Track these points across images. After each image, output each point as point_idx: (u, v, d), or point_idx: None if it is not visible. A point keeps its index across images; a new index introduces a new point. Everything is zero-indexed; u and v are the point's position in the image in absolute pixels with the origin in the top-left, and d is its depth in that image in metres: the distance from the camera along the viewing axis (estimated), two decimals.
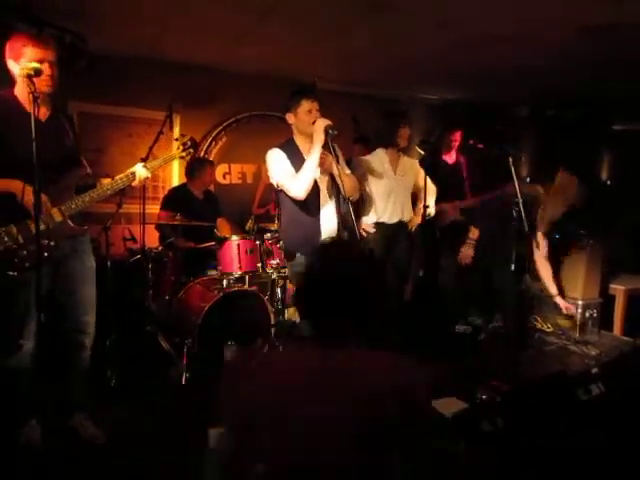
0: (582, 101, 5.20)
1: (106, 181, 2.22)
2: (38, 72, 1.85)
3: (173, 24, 3.44)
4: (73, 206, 2.10)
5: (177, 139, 2.57)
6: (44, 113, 2.09)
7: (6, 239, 1.95)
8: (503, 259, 3.32)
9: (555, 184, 3.25)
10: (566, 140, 5.42)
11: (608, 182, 5.95)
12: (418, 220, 3.18)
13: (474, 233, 3.39)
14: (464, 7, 2.97)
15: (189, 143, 2.46)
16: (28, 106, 1.97)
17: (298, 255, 2.60)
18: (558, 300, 3.43)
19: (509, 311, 3.42)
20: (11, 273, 1.93)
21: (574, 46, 3.56)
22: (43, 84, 1.97)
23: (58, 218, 2.07)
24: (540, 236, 3.33)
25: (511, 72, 4.33)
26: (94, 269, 2.32)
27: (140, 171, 2.24)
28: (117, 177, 2.22)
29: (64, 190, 2.10)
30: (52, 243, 2.05)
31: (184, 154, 2.47)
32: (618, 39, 3.36)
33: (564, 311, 3.40)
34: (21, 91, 2.03)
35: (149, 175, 2.29)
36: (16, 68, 1.96)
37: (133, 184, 2.25)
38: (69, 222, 2.12)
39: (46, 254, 2.00)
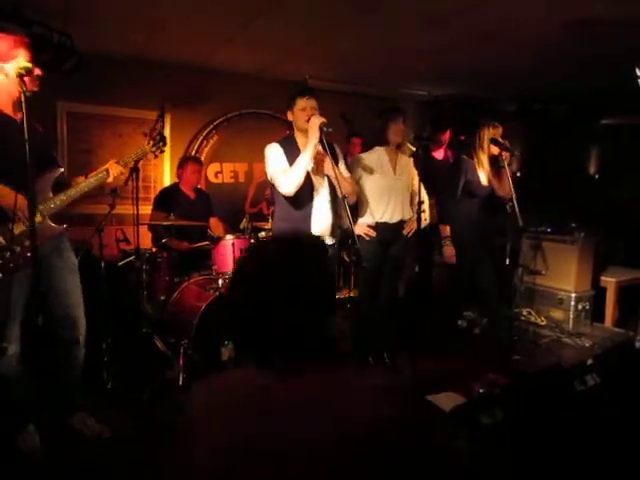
0: (569, 96, 5.25)
1: (81, 180, 2.23)
2: (29, 71, 1.83)
3: (161, 27, 3.42)
4: (52, 206, 2.11)
5: (146, 134, 2.57)
6: (18, 114, 2.06)
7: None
8: (486, 253, 3.34)
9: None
10: (554, 135, 5.49)
11: (596, 176, 6.02)
12: (415, 226, 3.16)
13: (445, 230, 3.39)
14: (451, 5, 2.99)
15: (158, 137, 2.50)
16: (5, 109, 2.00)
17: None
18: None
19: (493, 305, 3.43)
20: None
21: (560, 42, 3.60)
22: (35, 84, 1.98)
23: (38, 219, 2.06)
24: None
25: (498, 68, 4.35)
26: (76, 265, 2.31)
27: (113, 168, 2.26)
28: (91, 175, 2.24)
29: (41, 190, 2.09)
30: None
31: (154, 149, 2.50)
32: (603, 34, 3.40)
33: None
34: None
35: (123, 170, 2.32)
36: (8, 68, 1.93)
37: (108, 181, 2.27)
38: (49, 222, 2.12)
39: (29, 254, 1.99)
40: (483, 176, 3.27)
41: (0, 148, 1.85)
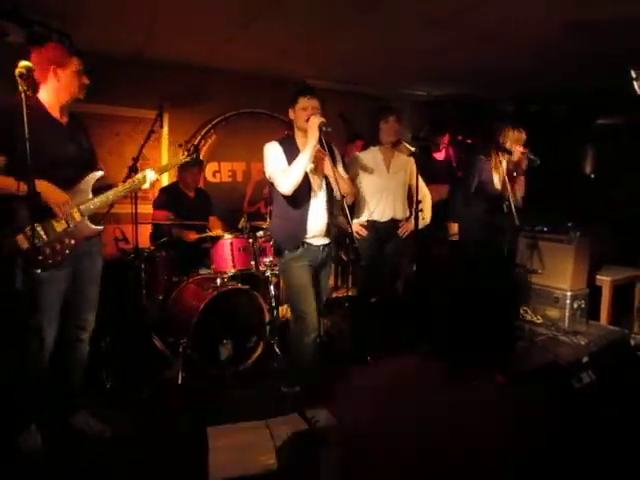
0: (569, 96, 5.26)
1: (119, 184, 2.37)
2: (30, 70, 1.84)
3: (159, 26, 3.41)
4: (91, 206, 2.20)
5: (181, 145, 2.87)
6: (64, 118, 2.18)
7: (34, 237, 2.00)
8: (491, 254, 3.35)
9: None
10: (553, 135, 5.50)
11: (592, 175, 6.04)
12: (411, 227, 3.15)
13: (453, 228, 3.41)
14: (451, 5, 2.99)
15: (192, 149, 2.75)
16: (53, 112, 2.12)
17: (286, 252, 2.61)
18: None
19: (495, 305, 3.45)
20: (36, 271, 1.97)
21: (560, 42, 3.60)
22: (83, 93, 2.18)
23: (78, 218, 2.15)
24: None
25: (498, 68, 4.36)
26: (100, 271, 2.39)
27: (150, 175, 2.40)
28: (129, 180, 2.37)
29: (83, 191, 2.20)
30: (72, 242, 2.13)
31: (189, 159, 2.74)
32: (603, 34, 3.41)
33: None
34: (48, 96, 2.11)
35: (159, 178, 2.50)
36: (60, 74, 2.09)
37: (143, 187, 2.42)
38: (87, 222, 2.20)
39: (68, 252, 2.10)
40: (497, 178, 3.28)
41: (46, 147, 1.93)
